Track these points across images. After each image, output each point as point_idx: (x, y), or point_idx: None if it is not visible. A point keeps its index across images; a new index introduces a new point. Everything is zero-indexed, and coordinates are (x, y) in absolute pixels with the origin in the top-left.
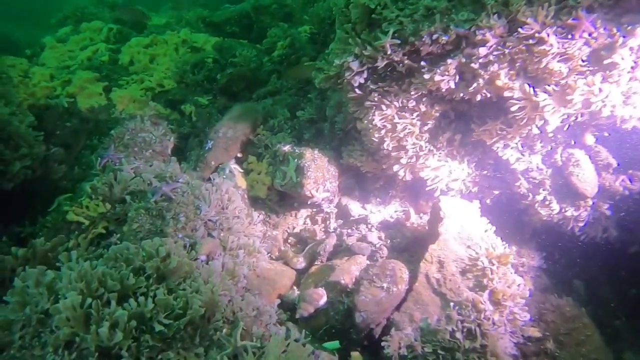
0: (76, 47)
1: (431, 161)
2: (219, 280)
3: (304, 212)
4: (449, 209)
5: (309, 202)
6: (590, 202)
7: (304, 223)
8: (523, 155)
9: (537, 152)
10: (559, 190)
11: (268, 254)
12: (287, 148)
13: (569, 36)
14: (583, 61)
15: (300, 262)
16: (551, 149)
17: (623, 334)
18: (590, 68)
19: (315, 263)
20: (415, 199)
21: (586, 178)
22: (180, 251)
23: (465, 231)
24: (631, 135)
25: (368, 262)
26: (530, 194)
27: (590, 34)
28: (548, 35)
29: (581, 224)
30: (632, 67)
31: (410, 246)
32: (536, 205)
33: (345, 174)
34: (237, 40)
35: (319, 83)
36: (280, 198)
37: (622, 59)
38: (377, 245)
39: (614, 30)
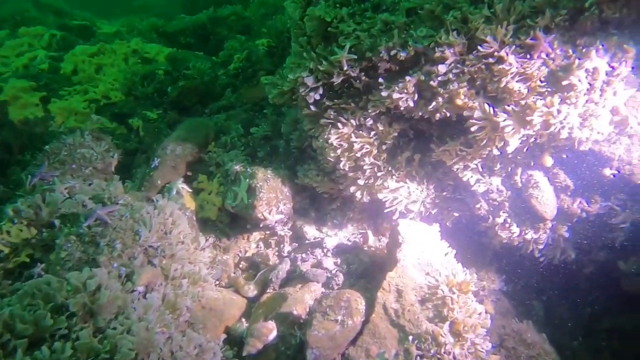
0: (11, 53)
1: (389, 182)
2: (157, 316)
3: (256, 235)
4: (408, 234)
5: (261, 225)
6: (550, 225)
7: (257, 246)
8: (483, 176)
9: (497, 173)
10: (519, 212)
11: (217, 281)
12: (238, 167)
13: (528, 56)
14: (542, 82)
15: (252, 290)
16: (511, 170)
17: (580, 355)
18: (549, 89)
19: (268, 291)
20: (374, 221)
21: (545, 200)
22: (114, 283)
23: (425, 257)
24: (588, 156)
25: (323, 289)
26: (490, 216)
27: (547, 55)
28: (507, 55)
29: (541, 247)
30: (587, 90)
31: (368, 272)
32: (496, 227)
33: (301, 195)
34: (192, 52)
35: (273, 99)
36: (232, 220)
37: (579, 80)
38: (333, 272)
39: (570, 51)
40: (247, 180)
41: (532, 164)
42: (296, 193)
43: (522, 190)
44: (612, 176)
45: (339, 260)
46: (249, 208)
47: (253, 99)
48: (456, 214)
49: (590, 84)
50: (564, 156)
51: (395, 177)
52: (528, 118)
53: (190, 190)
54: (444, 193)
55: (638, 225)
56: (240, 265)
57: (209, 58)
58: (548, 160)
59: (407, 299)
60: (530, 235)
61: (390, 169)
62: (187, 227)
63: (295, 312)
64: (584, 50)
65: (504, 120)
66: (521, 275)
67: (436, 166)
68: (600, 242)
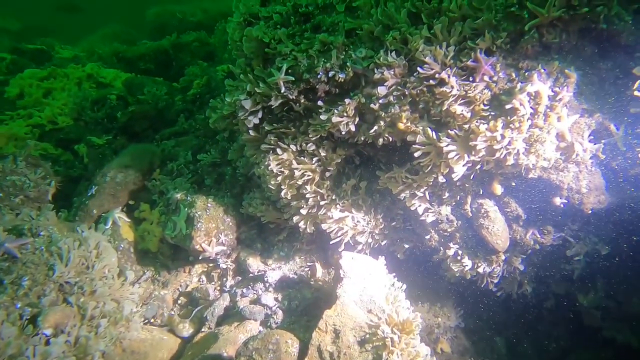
0: None
1: (333, 212)
2: None
3: (199, 268)
4: (350, 268)
5: (200, 257)
6: (503, 257)
7: (199, 280)
8: (432, 205)
9: (445, 202)
10: (471, 244)
11: (152, 319)
12: (179, 195)
13: (470, 79)
14: (485, 105)
15: (187, 329)
16: (460, 198)
17: None
18: (492, 113)
19: (202, 330)
20: (324, 253)
21: (496, 231)
22: (7, 328)
23: (368, 293)
24: (537, 184)
25: (261, 328)
26: (441, 248)
27: (490, 78)
28: (448, 77)
29: (495, 280)
30: (531, 114)
31: (310, 308)
32: (448, 260)
33: (247, 225)
34: (151, 78)
35: (214, 123)
36: (175, 251)
37: (522, 105)
38: (273, 308)
39: (513, 75)
40: (186, 209)
41: (481, 192)
42: (242, 223)
43: (472, 219)
44: (562, 205)
45: (280, 296)
46: (186, 239)
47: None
48: (407, 245)
49: (533, 109)
50: (513, 184)
51: (339, 207)
52: (472, 143)
53: (129, 221)
54: (394, 223)
55: (593, 258)
56: (180, 301)
57: (168, 84)
58: (497, 189)
59: (345, 340)
60: (483, 268)
61: (334, 197)
62: (115, 260)
63: (225, 355)
64: (526, 74)
65: (447, 146)
66: (480, 310)
67: (384, 194)
68: (558, 274)
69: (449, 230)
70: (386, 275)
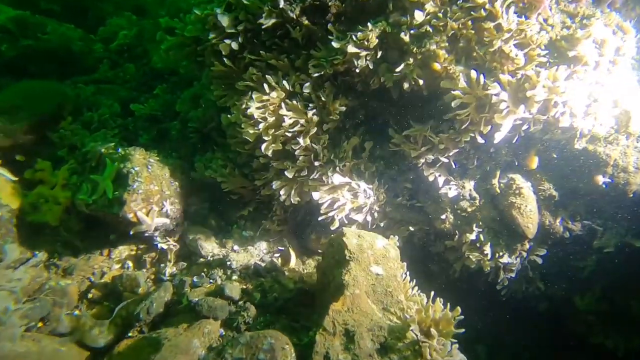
0: None
1: (333, 177)
2: None
3: (123, 250)
4: (358, 248)
5: (132, 232)
6: (527, 246)
7: (123, 267)
8: (453, 177)
9: (471, 174)
10: (493, 227)
11: (36, 323)
12: (104, 149)
13: (523, 17)
14: (542, 50)
15: (102, 335)
16: (489, 170)
17: None
18: (550, 60)
19: (130, 335)
20: (298, 236)
21: (529, 212)
22: None
23: (382, 282)
24: (580, 157)
25: (222, 331)
26: (456, 232)
27: (545, 20)
28: (501, 9)
29: (512, 275)
30: (594, 67)
31: (291, 304)
32: (464, 247)
33: (198, 195)
34: (56, 21)
35: (168, 50)
36: (86, 226)
37: (588, 53)
38: (240, 303)
39: (568, 21)
40: (116, 164)
41: (516, 164)
42: (191, 192)
43: (500, 197)
44: (604, 186)
45: (249, 287)
46: (114, 205)
47: None
48: (412, 228)
49: (595, 62)
50: (554, 155)
51: (339, 171)
52: (529, 93)
53: (13, 180)
54: (399, 199)
55: (622, 250)
56: (90, 295)
57: (82, 32)
58: (534, 161)
59: (363, 345)
60: (505, 258)
61: (331, 158)
62: None
63: None
64: (584, 21)
65: (497, 94)
66: (468, 312)
67: (390, 162)
68: (568, 270)
69: (468, 209)
70: (401, 262)
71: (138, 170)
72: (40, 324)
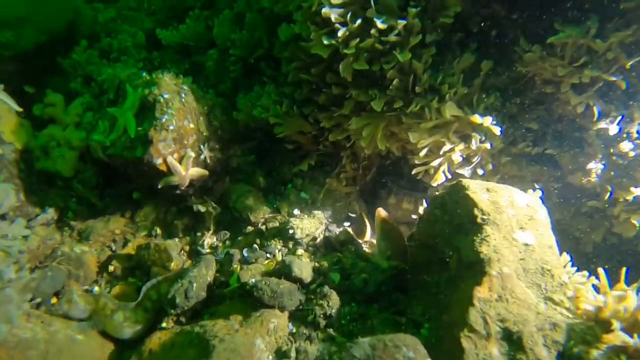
0: None
1: (442, 106)
2: None
3: (149, 212)
4: (492, 206)
5: (160, 186)
6: None
7: (150, 234)
8: (612, 107)
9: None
10: None
11: (50, 299)
12: (124, 75)
13: None
14: None
15: (127, 324)
16: None
17: None
18: None
19: (164, 325)
20: (370, 197)
21: None
22: None
23: (535, 256)
24: None
25: (292, 326)
26: (607, 188)
27: None
28: None
29: None
30: None
31: (384, 290)
32: (617, 208)
33: (242, 143)
34: None
35: None
36: (107, 180)
37: None
38: (313, 287)
39: None
40: (140, 90)
41: None
42: (234, 139)
43: None
44: None
45: (323, 264)
46: (137, 146)
47: None
48: (536, 186)
49: None
50: None
51: (448, 100)
52: None
53: (18, 111)
54: (519, 145)
55: None
56: (111, 268)
57: None
58: None
59: (539, 355)
60: None
61: (437, 83)
62: None
63: None
64: None
65: None
66: None
67: (509, 94)
68: None
69: (630, 155)
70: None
71: (168, 98)
72: (54, 300)
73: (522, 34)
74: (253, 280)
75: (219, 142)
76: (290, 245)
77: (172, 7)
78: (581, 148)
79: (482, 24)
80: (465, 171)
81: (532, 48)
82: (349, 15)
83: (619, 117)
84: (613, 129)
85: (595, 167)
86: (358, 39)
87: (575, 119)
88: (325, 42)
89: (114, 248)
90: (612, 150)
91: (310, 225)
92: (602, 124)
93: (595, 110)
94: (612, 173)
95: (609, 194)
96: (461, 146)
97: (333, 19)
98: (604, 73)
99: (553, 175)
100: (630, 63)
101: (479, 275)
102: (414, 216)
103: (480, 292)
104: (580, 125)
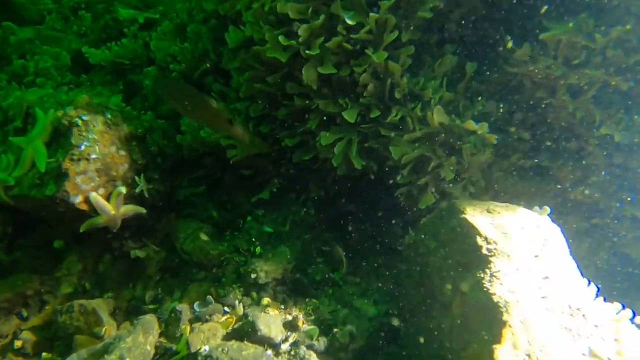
0: None
1: (430, 116)
2: None
3: (72, 263)
4: (497, 232)
5: (82, 230)
6: None
7: (75, 291)
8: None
9: None
10: None
11: None
12: (31, 96)
13: None
14: None
15: None
16: None
17: None
18: None
19: None
20: (340, 227)
21: None
22: None
23: (557, 291)
24: None
25: None
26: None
27: None
28: None
29: None
30: None
31: (373, 345)
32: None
33: (188, 172)
34: None
35: None
36: (21, 225)
37: None
38: (284, 348)
39: None
40: (52, 112)
41: None
42: (178, 167)
43: None
44: None
45: (295, 314)
46: (47, 183)
47: None
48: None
49: None
50: None
51: (432, 106)
52: None
53: None
54: (513, 157)
55: None
56: (18, 343)
57: None
58: None
59: None
60: None
61: (416, 88)
62: None
63: None
64: None
65: None
66: None
67: (496, 101)
68: None
69: (635, 164)
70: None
71: (88, 120)
72: None
73: (507, 33)
74: (206, 348)
75: (158, 172)
76: (254, 294)
77: (105, 27)
78: (580, 159)
79: (462, 22)
80: (455, 190)
81: (521, 47)
82: (309, 11)
83: (622, 123)
84: (616, 137)
85: (597, 179)
86: (323, 38)
87: (572, 127)
88: (284, 42)
89: (25, 315)
90: (615, 161)
91: (277, 265)
92: (603, 131)
93: (598, 116)
94: (615, 186)
95: (614, 209)
96: (451, 161)
97: (291, 16)
98: (603, 73)
99: (550, 191)
100: (633, 61)
101: (495, 327)
102: None
103: (504, 354)
104: (578, 133)
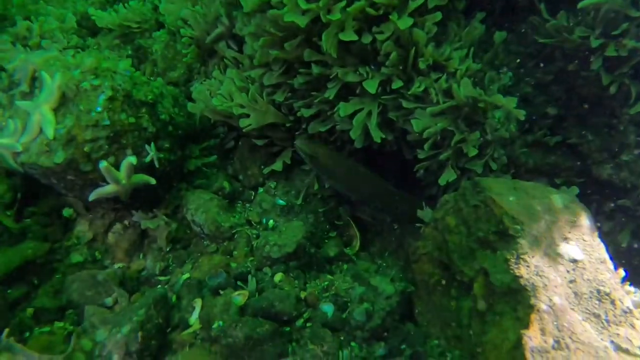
0: None
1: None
2: None
3: (82, 232)
4: (524, 210)
5: (91, 198)
6: None
7: (86, 260)
8: None
9: None
10: None
11: None
12: (40, 59)
13: None
14: None
15: None
16: None
17: None
18: None
19: None
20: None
21: None
22: None
23: (586, 276)
24: None
25: None
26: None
27: None
28: None
29: None
30: None
31: (389, 323)
32: None
33: (198, 141)
34: None
35: None
36: (30, 193)
37: None
38: (298, 324)
39: None
40: (60, 75)
41: None
42: (189, 136)
43: None
44: None
45: (313, 291)
46: (56, 151)
47: None
48: (557, 181)
49: None
50: None
51: (458, 77)
52: None
53: None
54: (538, 133)
55: None
56: (29, 310)
57: None
58: None
59: None
60: None
61: (440, 57)
62: None
63: None
64: None
65: None
66: None
67: (522, 73)
68: None
69: None
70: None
71: (98, 84)
72: None
73: (540, 0)
74: (220, 322)
75: (169, 141)
76: (267, 269)
77: None
78: (610, 136)
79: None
80: (476, 166)
81: (556, 15)
82: None
83: None
84: None
85: (627, 158)
86: (344, 2)
87: (604, 101)
88: (303, 6)
89: (35, 283)
90: None
91: (290, 239)
92: (638, 108)
93: (634, 91)
94: None
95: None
96: (474, 135)
97: None
98: None
99: (574, 168)
100: None
101: (522, 310)
102: None
103: (532, 339)
104: (610, 108)
